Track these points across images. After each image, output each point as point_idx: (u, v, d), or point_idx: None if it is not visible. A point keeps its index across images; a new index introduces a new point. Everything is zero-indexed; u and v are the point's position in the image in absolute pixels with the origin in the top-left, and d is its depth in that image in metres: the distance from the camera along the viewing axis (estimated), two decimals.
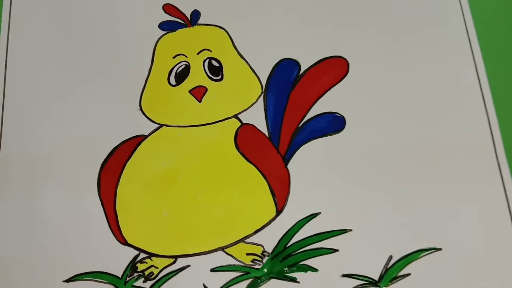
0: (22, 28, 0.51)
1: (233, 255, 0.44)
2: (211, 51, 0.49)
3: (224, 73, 0.49)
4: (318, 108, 0.48)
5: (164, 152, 0.47)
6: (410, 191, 0.45)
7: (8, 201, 0.45)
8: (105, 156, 0.47)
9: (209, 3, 0.51)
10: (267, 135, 0.47)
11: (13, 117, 0.48)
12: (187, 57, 0.49)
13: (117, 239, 0.44)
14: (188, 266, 0.44)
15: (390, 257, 0.43)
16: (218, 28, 0.51)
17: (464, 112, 0.47)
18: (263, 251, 0.44)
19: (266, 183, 0.45)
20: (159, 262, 0.44)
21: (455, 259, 0.43)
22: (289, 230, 0.44)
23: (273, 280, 0.43)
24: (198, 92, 0.48)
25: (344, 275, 0.43)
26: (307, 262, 0.44)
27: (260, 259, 0.44)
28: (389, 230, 0.44)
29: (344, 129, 0.47)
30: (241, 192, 0.45)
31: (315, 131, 0.47)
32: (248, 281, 0.43)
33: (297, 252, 0.44)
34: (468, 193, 0.45)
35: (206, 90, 0.48)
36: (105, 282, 0.43)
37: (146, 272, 0.43)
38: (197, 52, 0.49)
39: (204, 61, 0.49)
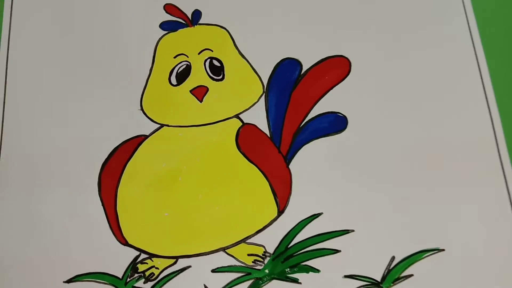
0: (23, 29, 0.51)
1: (234, 256, 0.44)
2: (212, 51, 0.49)
3: (225, 72, 0.49)
4: (319, 108, 0.48)
5: (165, 152, 0.47)
6: (413, 191, 0.45)
7: (8, 201, 0.45)
8: (106, 156, 0.46)
9: (210, 2, 0.51)
10: (269, 135, 0.47)
11: (14, 117, 0.48)
12: (188, 57, 0.49)
13: (117, 240, 0.44)
14: (189, 266, 0.43)
15: (393, 258, 0.43)
16: (219, 27, 0.50)
17: (467, 111, 0.47)
18: (264, 252, 0.44)
19: (267, 183, 0.45)
20: (160, 263, 0.44)
21: (458, 259, 0.43)
22: (290, 230, 0.44)
23: (274, 281, 0.43)
24: (199, 92, 0.48)
25: (346, 276, 0.43)
26: (309, 263, 0.43)
27: (262, 260, 0.44)
28: (391, 231, 0.44)
29: (346, 129, 0.47)
30: (243, 192, 0.45)
31: (316, 131, 0.47)
32: (249, 282, 0.43)
33: (299, 252, 0.44)
34: (471, 193, 0.45)
35: (207, 90, 0.48)
36: (105, 283, 0.43)
37: (147, 273, 0.43)
38: (198, 51, 0.49)
39: (205, 60, 0.49)
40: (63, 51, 0.50)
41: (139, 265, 0.43)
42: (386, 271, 0.43)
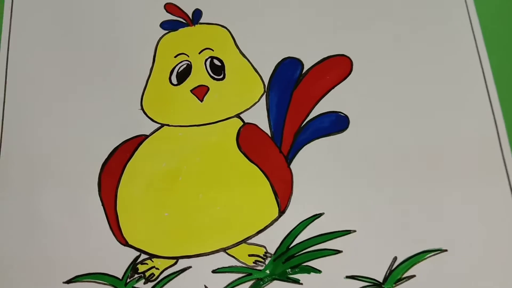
0: (23, 29, 0.51)
1: (235, 256, 0.44)
2: (213, 50, 0.49)
3: (226, 72, 0.49)
4: (321, 107, 0.47)
5: (165, 152, 0.46)
6: (415, 191, 0.45)
7: (8, 201, 0.45)
8: (106, 156, 0.46)
9: (211, 2, 0.51)
10: (270, 135, 0.47)
11: (14, 117, 0.48)
12: (188, 56, 0.49)
13: (117, 240, 0.44)
14: (190, 267, 0.43)
15: (395, 258, 0.43)
16: (220, 27, 0.50)
17: (469, 111, 0.47)
18: (265, 252, 0.44)
19: (268, 183, 0.45)
20: (160, 263, 0.43)
21: (461, 260, 0.43)
22: (292, 231, 0.44)
23: (275, 282, 0.43)
24: (200, 92, 0.48)
25: (348, 277, 0.43)
26: (310, 263, 0.43)
27: (263, 260, 0.43)
28: (393, 231, 0.44)
29: (348, 129, 0.47)
30: (243, 193, 0.45)
31: (318, 130, 0.47)
32: (250, 283, 0.43)
33: (300, 253, 0.44)
34: (474, 193, 0.44)
35: (208, 89, 0.48)
36: (105, 284, 0.43)
37: (147, 274, 0.43)
38: (199, 51, 0.49)
39: (206, 60, 0.49)
40: (63, 51, 0.50)
41: (139, 266, 0.43)
42: (388, 272, 0.43)
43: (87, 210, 0.45)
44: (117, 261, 0.43)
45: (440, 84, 0.48)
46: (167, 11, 0.51)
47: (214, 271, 0.43)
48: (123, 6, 0.52)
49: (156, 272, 0.43)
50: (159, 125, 0.47)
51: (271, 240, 0.44)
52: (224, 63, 0.49)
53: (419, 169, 0.45)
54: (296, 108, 0.47)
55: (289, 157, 0.46)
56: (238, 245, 0.44)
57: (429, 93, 0.48)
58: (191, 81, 0.48)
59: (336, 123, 0.47)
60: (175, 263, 0.43)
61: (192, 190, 0.45)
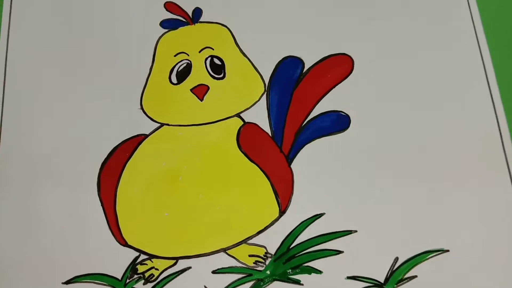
0: (22, 28, 0.51)
1: (235, 257, 0.43)
2: (213, 49, 0.49)
3: (226, 71, 0.48)
4: (322, 107, 0.47)
5: (165, 152, 0.46)
6: (417, 191, 0.44)
7: (7, 201, 0.45)
8: (105, 155, 0.46)
9: (211, 0, 0.51)
10: (270, 134, 0.46)
11: (13, 116, 0.48)
12: (188, 55, 0.48)
13: (117, 240, 0.44)
14: (189, 268, 0.43)
15: (396, 259, 0.43)
16: (220, 25, 0.50)
17: (471, 110, 0.47)
18: (266, 253, 0.43)
19: (269, 183, 0.45)
20: (160, 264, 0.43)
21: (463, 261, 0.42)
22: (292, 231, 0.44)
23: (276, 283, 0.43)
24: (200, 91, 0.47)
25: (349, 277, 0.42)
26: (311, 264, 0.43)
27: (263, 261, 0.43)
28: (395, 231, 0.43)
29: (349, 128, 0.47)
30: (244, 192, 0.45)
31: (319, 130, 0.47)
32: (250, 283, 0.43)
33: (300, 253, 0.43)
34: (476, 193, 0.44)
35: (208, 88, 0.48)
36: (104, 284, 0.43)
37: (147, 274, 0.43)
38: (199, 50, 0.49)
39: (206, 59, 0.48)
40: (63, 50, 0.50)
41: (138, 266, 0.43)
42: (390, 272, 0.42)
43: (87, 210, 0.45)
44: (117, 262, 0.43)
45: (442, 83, 0.48)
46: (167, 10, 0.51)
47: (214, 272, 0.43)
48: (123, 4, 0.51)
49: (156, 273, 0.43)
50: (159, 124, 0.47)
51: (272, 241, 0.44)
52: (224, 62, 0.49)
53: (420, 168, 0.45)
54: (297, 107, 0.47)
55: (290, 157, 0.46)
56: (238, 245, 0.44)
57: (431, 93, 0.47)
58: (191, 80, 0.48)
59: (337, 122, 0.47)
60: (175, 263, 0.43)
61: (192, 190, 0.45)
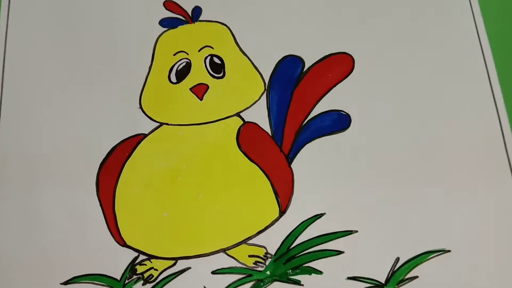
0: (21, 26, 0.51)
1: (235, 257, 0.43)
2: (212, 48, 0.49)
3: (226, 70, 0.48)
4: (322, 106, 0.47)
5: (165, 151, 0.46)
6: (418, 191, 0.44)
7: (5, 201, 0.45)
8: (104, 155, 0.46)
9: None
10: (270, 134, 0.46)
11: (12, 116, 0.48)
12: (188, 54, 0.48)
13: (116, 241, 0.44)
14: (189, 268, 0.43)
15: (397, 259, 0.43)
16: (219, 24, 0.50)
17: (473, 109, 0.47)
18: (266, 253, 0.43)
19: (269, 183, 0.45)
20: (159, 264, 0.43)
21: (465, 261, 0.42)
22: (292, 231, 0.44)
23: (276, 283, 0.43)
24: (199, 90, 0.47)
25: (349, 278, 0.42)
26: (311, 264, 0.43)
27: (263, 261, 0.43)
28: (396, 231, 0.43)
29: (350, 128, 0.47)
30: (243, 192, 0.45)
31: (319, 129, 0.46)
32: (250, 284, 0.42)
33: (301, 254, 0.43)
34: (478, 193, 0.44)
35: (208, 87, 0.47)
36: (103, 285, 0.43)
37: (146, 275, 0.43)
38: (199, 49, 0.49)
39: (206, 58, 0.48)
40: (62, 49, 0.50)
41: (137, 267, 0.43)
42: (391, 273, 0.42)
43: (85, 210, 0.44)
44: (115, 262, 0.43)
45: (443, 83, 0.48)
46: (166, 9, 0.51)
47: (213, 272, 0.43)
48: (122, 3, 0.51)
49: (155, 273, 0.43)
50: (158, 124, 0.47)
51: (272, 241, 0.43)
52: (224, 61, 0.48)
53: (421, 168, 0.45)
54: (297, 106, 0.47)
55: (290, 156, 0.46)
56: (238, 245, 0.43)
57: (432, 92, 0.47)
58: (191, 79, 0.48)
59: (338, 122, 0.47)
60: (174, 264, 0.43)
61: (192, 190, 0.45)
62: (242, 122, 0.47)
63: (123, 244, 0.44)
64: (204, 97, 0.47)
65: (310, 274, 0.43)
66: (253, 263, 0.43)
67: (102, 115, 0.47)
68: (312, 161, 0.45)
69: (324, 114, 0.47)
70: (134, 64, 0.49)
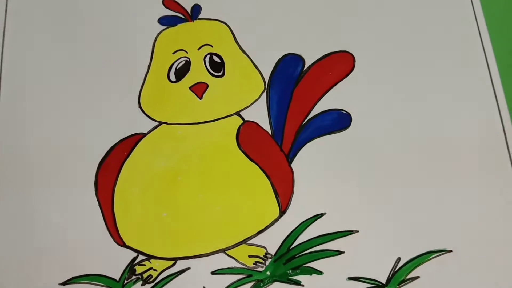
0: (18, 25, 0.50)
1: (235, 257, 0.43)
2: (212, 46, 0.48)
3: (225, 69, 0.48)
4: (323, 105, 0.47)
5: (164, 151, 0.46)
6: (419, 190, 0.44)
7: (3, 200, 0.45)
8: (103, 154, 0.46)
9: None
10: (270, 133, 0.46)
11: (10, 115, 0.47)
12: (187, 52, 0.48)
13: (114, 241, 0.43)
14: (188, 268, 0.43)
15: (398, 259, 0.42)
16: (219, 22, 0.50)
17: (474, 109, 0.47)
18: (266, 253, 0.43)
19: (269, 182, 0.45)
20: (158, 265, 0.43)
21: (466, 261, 0.42)
22: (293, 231, 0.44)
23: (276, 283, 0.43)
24: (199, 89, 0.47)
25: (350, 278, 0.42)
26: (311, 264, 0.43)
27: (263, 262, 0.43)
28: (397, 231, 0.43)
29: (350, 127, 0.46)
30: (243, 192, 0.45)
31: (319, 128, 0.46)
32: (250, 284, 0.42)
33: (301, 254, 0.43)
34: (479, 193, 0.44)
35: (207, 86, 0.47)
36: (102, 285, 0.42)
37: (145, 275, 0.43)
38: (198, 47, 0.48)
39: (205, 56, 0.48)
40: (60, 48, 0.49)
41: (136, 267, 0.43)
42: (392, 273, 0.42)
43: (84, 210, 0.44)
44: (114, 262, 0.43)
45: (444, 82, 0.48)
46: (165, 7, 0.50)
47: (213, 273, 0.43)
48: (121, 1, 0.51)
49: (154, 274, 0.43)
50: (157, 123, 0.47)
51: (272, 241, 0.43)
52: (224, 59, 0.48)
53: (423, 168, 0.45)
54: (297, 105, 0.47)
55: (290, 156, 0.45)
56: (238, 245, 0.43)
57: (433, 91, 0.47)
58: (190, 78, 0.47)
59: (338, 121, 0.47)
60: (174, 264, 0.43)
61: (191, 189, 0.45)
62: (242, 121, 0.46)
63: (122, 244, 0.43)
64: (203, 96, 0.47)
65: (310, 274, 0.42)
66: (253, 263, 0.43)
67: (101, 114, 0.47)
68: (313, 160, 0.45)
69: (324, 113, 0.47)
70: (133, 62, 0.48)
